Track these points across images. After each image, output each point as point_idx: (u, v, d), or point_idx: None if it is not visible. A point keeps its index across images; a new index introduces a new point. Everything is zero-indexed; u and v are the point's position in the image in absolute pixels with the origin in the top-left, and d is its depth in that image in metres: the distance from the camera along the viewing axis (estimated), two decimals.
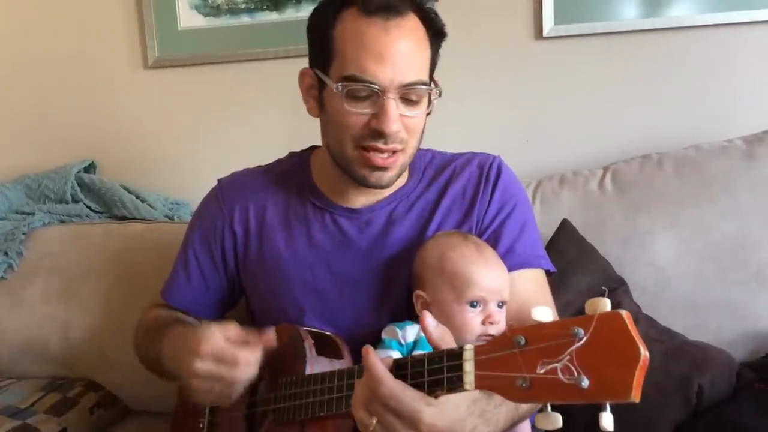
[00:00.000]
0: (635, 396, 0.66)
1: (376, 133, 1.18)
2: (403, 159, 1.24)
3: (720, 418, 1.39)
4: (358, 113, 1.18)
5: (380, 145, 1.19)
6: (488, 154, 1.38)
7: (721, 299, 1.62)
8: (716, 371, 1.45)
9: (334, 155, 1.27)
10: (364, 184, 1.25)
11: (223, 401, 1.12)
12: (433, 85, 1.24)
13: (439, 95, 1.24)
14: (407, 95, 1.19)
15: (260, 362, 1.10)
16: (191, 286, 1.42)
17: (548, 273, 1.34)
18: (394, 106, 1.17)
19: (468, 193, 1.32)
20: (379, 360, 0.90)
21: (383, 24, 1.17)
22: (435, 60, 1.26)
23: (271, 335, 1.13)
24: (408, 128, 1.21)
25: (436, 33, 1.24)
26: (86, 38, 2.18)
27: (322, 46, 1.21)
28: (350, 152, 1.22)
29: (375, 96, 1.17)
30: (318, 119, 1.29)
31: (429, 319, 0.92)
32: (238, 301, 1.48)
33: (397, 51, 1.16)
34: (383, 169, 1.22)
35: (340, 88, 1.17)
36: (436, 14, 1.25)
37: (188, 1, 2.09)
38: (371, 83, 1.16)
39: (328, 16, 1.21)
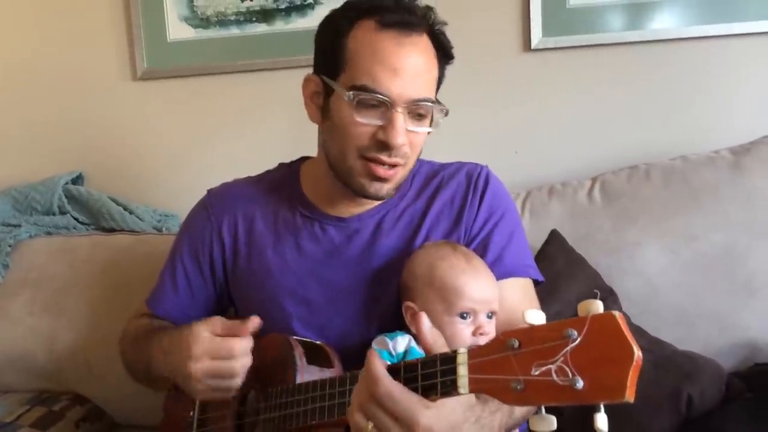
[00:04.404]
0: (629, 396, 0.66)
1: (382, 144, 1.18)
2: (402, 173, 1.25)
3: (709, 428, 1.39)
4: (366, 123, 1.18)
5: (384, 157, 1.19)
6: (476, 163, 1.38)
7: (709, 309, 1.62)
8: (706, 381, 1.45)
9: (333, 162, 1.26)
10: (362, 193, 1.24)
11: (226, 394, 1.15)
12: (439, 104, 1.25)
13: (446, 114, 1.25)
14: (415, 111, 1.20)
15: (251, 348, 1.13)
16: (178, 297, 1.41)
17: (536, 283, 1.34)
18: (402, 120, 1.17)
19: (456, 202, 1.32)
20: (380, 360, 0.89)
21: (398, 38, 1.17)
22: (441, 80, 1.28)
23: (255, 320, 1.14)
24: (412, 144, 1.22)
25: (444, 55, 1.26)
26: (75, 50, 2.17)
27: (333, 53, 1.21)
28: (352, 162, 1.22)
29: (384, 108, 1.17)
30: (316, 127, 1.30)
31: (425, 319, 0.92)
32: (226, 311, 1.46)
33: (409, 66, 1.17)
34: (384, 180, 1.22)
35: (352, 97, 1.17)
36: (445, 36, 1.26)
37: (177, 12, 2.09)
38: (382, 95, 1.16)
39: (342, 24, 1.21)
